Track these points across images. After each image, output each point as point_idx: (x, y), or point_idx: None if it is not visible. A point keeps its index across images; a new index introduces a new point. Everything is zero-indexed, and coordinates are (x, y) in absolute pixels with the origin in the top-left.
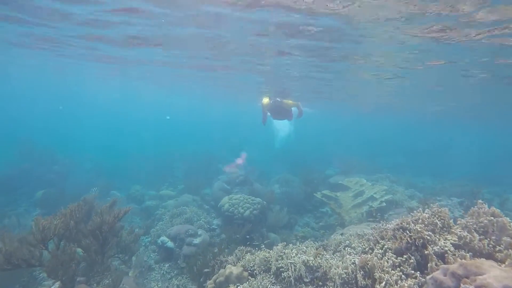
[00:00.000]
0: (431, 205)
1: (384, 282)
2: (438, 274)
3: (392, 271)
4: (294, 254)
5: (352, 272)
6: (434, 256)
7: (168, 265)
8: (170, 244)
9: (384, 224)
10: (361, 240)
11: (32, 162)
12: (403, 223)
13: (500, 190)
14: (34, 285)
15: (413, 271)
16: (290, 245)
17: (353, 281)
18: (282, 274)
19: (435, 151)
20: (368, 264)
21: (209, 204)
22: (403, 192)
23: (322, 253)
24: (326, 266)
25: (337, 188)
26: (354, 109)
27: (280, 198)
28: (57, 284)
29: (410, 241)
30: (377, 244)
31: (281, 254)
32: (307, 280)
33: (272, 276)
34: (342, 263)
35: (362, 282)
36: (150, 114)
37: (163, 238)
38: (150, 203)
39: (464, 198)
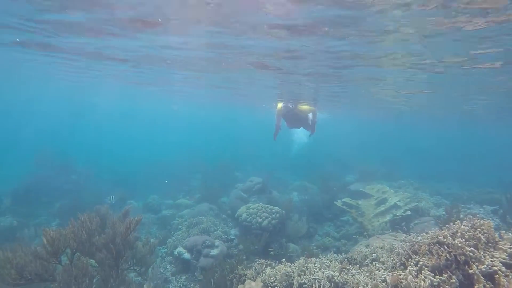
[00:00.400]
0: (470, 216)
1: None
2: None
3: None
4: (317, 269)
5: None
6: (481, 277)
7: (185, 277)
8: (186, 255)
9: (415, 237)
10: (390, 254)
11: (51, 172)
12: (440, 237)
13: None
14: None
15: None
16: (313, 258)
17: None
18: None
19: (459, 157)
20: (402, 283)
21: (226, 213)
22: (428, 199)
23: (348, 267)
24: (353, 282)
25: (358, 196)
26: (374, 114)
27: (299, 206)
28: None
29: (449, 258)
30: (409, 260)
31: (304, 268)
32: None
33: None
34: (371, 280)
35: None
36: (169, 124)
37: (180, 249)
38: (166, 213)
39: (498, 206)
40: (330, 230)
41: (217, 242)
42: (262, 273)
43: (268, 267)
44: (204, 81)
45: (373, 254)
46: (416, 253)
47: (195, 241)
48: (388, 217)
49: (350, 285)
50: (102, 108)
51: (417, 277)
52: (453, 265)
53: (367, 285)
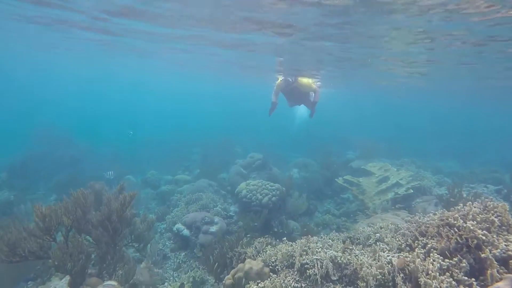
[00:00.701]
0: (483, 198)
1: None
2: (505, 285)
3: (441, 276)
4: (319, 249)
5: (389, 274)
6: (494, 262)
7: (184, 253)
8: (185, 232)
9: (422, 217)
10: (395, 234)
11: (50, 146)
12: (450, 219)
13: None
14: (47, 275)
15: (466, 278)
16: (315, 237)
17: (390, 284)
18: (307, 271)
19: (460, 135)
20: (409, 265)
21: (225, 189)
22: (430, 178)
23: (350, 247)
24: (356, 263)
25: (359, 173)
26: (377, 89)
27: (299, 183)
28: (68, 276)
29: (460, 241)
30: (416, 241)
31: (305, 248)
32: (335, 278)
33: (296, 273)
34: (376, 261)
35: (403, 287)
36: (167, 100)
37: (179, 225)
38: (165, 188)
39: (502, 186)
40: (330, 207)
41: (216, 219)
42: (263, 252)
43: (269, 246)
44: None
45: (377, 234)
46: (423, 235)
47: (194, 217)
48: (389, 195)
49: (353, 266)
50: (104, 83)
51: (425, 260)
52: (464, 249)
53: (371, 266)
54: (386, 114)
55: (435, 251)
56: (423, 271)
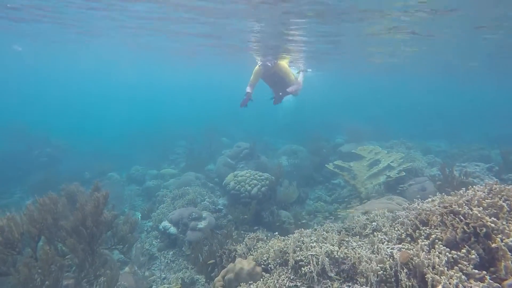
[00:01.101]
0: (486, 181)
1: (440, 287)
2: None
3: (450, 271)
4: (314, 243)
5: (391, 269)
6: (508, 253)
7: (172, 252)
8: (172, 230)
9: (421, 204)
10: (393, 223)
11: (24, 145)
12: (454, 206)
13: None
14: None
15: (476, 271)
16: (308, 230)
17: (393, 280)
18: (302, 268)
19: (446, 114)
20: (413, 260)
21: (213, 181)
22: (421, 159)
23: (347, 239)
24: (354, 257)
25: (349, 158)
26: (364, 70)
27: (289, 170)
28: None
29: (467, 230)
30: (417, 231)
31: (299, 243)
32: (332, 275)
33: (290, 271)
34: (376, 255)
35: (407, 284)
36: (150, 93)
37: (165, 223)
38: (151, 184)
39: (493, 163)
40: (321, 194)
41: (204, 214)
42: (254, 249)
43: (260, 242)
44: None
45: (373, 223)
46: (424, 224)
47: (181, 214)
48: (381, 179)
49: (351, 260)
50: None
51: (429, 252)
52: (472, 238)
53: (371, 260)
54: (373, 97)
55: (440, 242)
56: (429, 265)
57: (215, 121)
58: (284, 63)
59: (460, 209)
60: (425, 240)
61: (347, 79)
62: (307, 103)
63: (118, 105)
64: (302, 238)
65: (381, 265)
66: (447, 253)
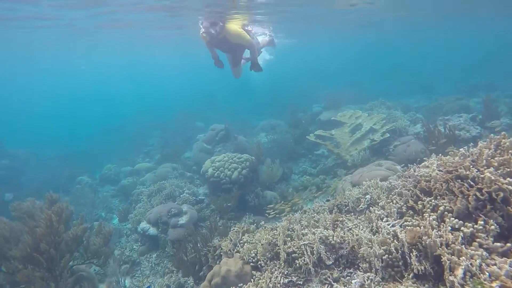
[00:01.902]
0: (495, 137)
1: (461, 270)
2: None
3: (468, 249)
4: (305, 229)
5: (397, 251)
6: None
7: (155, 255)
8: (152, 231)
9: (418, 170)
10: (390, 194)
11: None
12: (460, 169)
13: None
14: None
15: (499, 244)
16: (297, 215)
17: (401, 264)
18: (296, 261)
19: (415, 67)
20: (423, 239)
21: (191, 170)
22: (403, 117)
23: (340, 218)
24: (352, 239)
25: (329, 126)
26: (331, 29)
27: (269, 147)
28: None
29: (481, 197)
30: (419, 202)
31: (289, 232)
32: (330, 263)
33: (283, 265)
34: (376, 235)
35: (419, 268)
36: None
37: (143, 224)
38: (126, 182)
39: (476, 113)
40: (306, 166)
41: (185, 208)
42: (240, 244)
43: (246, 234)
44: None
45: (367, 196)
46: (426, 193)
47: (159, 212)
48: (365, 143)
49: (349, 244)
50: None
51: (439, 228)
52: (488, 206)
53: (371, 242)
54: (345, 60)
55: (450, 214)
56: (442, 244)
57: (189, 106)
58: (234, 25)
59: (467, 172)
60: (432, 214)
61: (316, 45)
62: (280, 75)
63: (80, 103)
64: (292, 226)
65: (384, 248)
66: (463, 227)
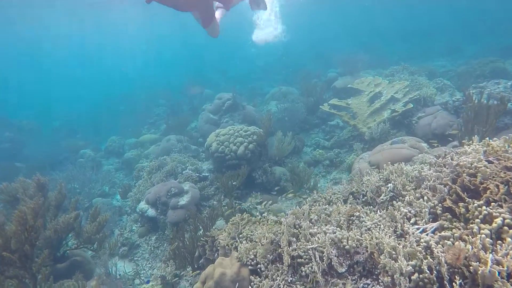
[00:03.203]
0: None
1: None
2: None
3: None
4: (314, 225)
5: (431, 271)
6: None
7: (155, 237)
8: (151, 212)
9: (455, 156)
10: (418, 187)
11: None
12: None
13: None
14: None
15: None
16: (305, 207)
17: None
18: (302, 268)
19: (441, 28)
20: (471, 264)
21: (197, 142)
22: (428, 84)
23: (357, 213)
24: (371, 244)
25: (346, 94)
26: None
27: (280, 117)
28: None
29: None
30: (460, 204)
31: (295, 231)
32: (343, 270)
33: (286, 270)
34: (402, 242)
35: None
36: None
37: (142, 205)
38: (130, 155)
39: None
40: (319, 139)
41: (186, 186)
42: (239, 239)
43: (246, 227)
44: None
45: (389, 185)
46: (471, 191)
47: (158, 191)
48: (385, 115)
49: (367, 250)
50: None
51: (496, 250)
52: None
53: (395, 252)
54: (362, 21)
55: None
56: (503, 277)
57: (198, 73)
58: None
59: None
60: (484, 226)
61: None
62: (291, 36)
63: (86, 75)
64: (299, 221)
65: (413, 263)
66: None
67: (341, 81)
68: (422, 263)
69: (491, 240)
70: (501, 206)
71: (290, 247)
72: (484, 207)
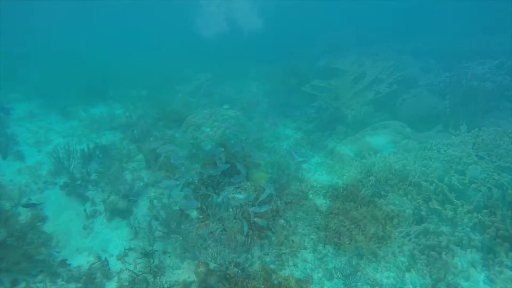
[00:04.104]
0: None
1: None
2: None
3: None
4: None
5: None
6: None
7: None
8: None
9: (442, 147)
10: (404, 185)
11: None
12: None
13: None
14: None
15: None
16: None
17: None
18: None
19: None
20: None
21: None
22: (413, 64)
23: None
24: None
25: (328, 74)
26: None
27: (261, 99)
28: None
29: None
30: (447, 207)
31: None
32: None
33: None
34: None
35: None
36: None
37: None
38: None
39: (502, 58)
40: (301, 122)
41: None
42: None
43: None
44: None
45: (370, 178)
46: (460, 191)
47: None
48: (369, 96)
49: None
50: None
51: None
52: None
53: None
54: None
55: None
56: None
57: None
58: None
59: None
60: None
61: None
62: (276, 16)
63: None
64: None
65: None
66: None
67: (324, 60)
68: None
69: None
70: (494, 213)
71: None
72: (475, 213)
